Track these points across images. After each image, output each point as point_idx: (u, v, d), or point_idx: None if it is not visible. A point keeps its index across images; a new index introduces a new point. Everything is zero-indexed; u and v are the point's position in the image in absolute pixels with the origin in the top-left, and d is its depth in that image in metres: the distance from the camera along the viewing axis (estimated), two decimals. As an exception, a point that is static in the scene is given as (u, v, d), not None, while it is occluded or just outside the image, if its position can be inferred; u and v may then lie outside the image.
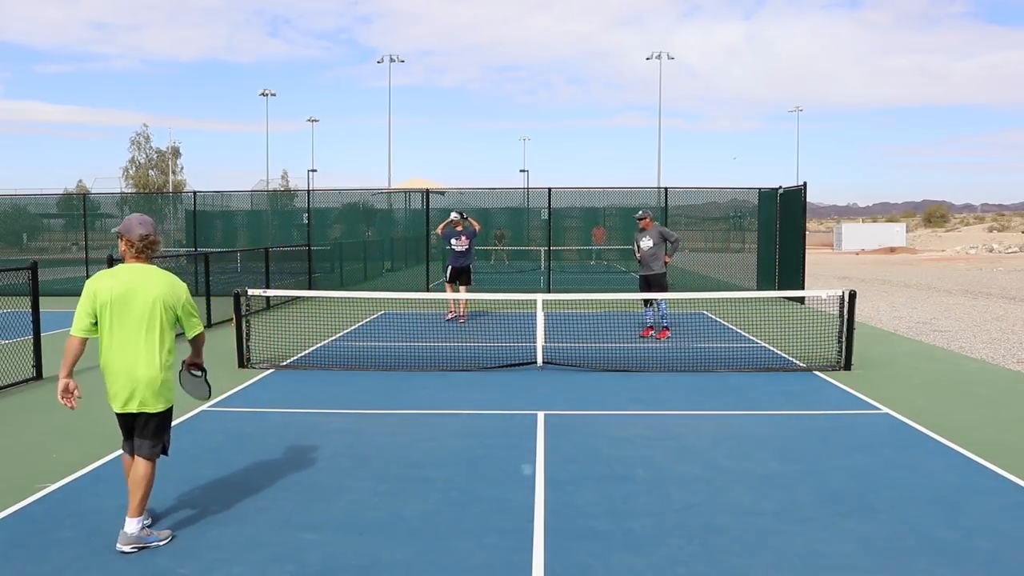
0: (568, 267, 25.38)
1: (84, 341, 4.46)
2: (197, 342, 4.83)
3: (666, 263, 12.26)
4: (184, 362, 4.90)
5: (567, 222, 25.17)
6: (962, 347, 12.17)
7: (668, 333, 12.25)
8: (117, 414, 4.61)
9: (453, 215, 14.62)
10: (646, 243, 12.19)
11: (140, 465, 4.58)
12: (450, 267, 14.48)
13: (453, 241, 14.37)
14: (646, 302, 12.40)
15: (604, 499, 5.34)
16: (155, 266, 4.59)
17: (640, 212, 12.61)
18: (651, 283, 12.18)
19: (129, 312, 4.44)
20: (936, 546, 4.57)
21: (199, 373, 4.97)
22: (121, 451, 4.78)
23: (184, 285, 4.64)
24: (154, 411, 4.57)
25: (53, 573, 4.21)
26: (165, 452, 4.76)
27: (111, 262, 11.62)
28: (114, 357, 4.47)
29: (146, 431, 4.59)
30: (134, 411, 4.53)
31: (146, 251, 4.54)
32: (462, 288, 14.41)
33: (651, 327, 12.44)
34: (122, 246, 4.54)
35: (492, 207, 25.18)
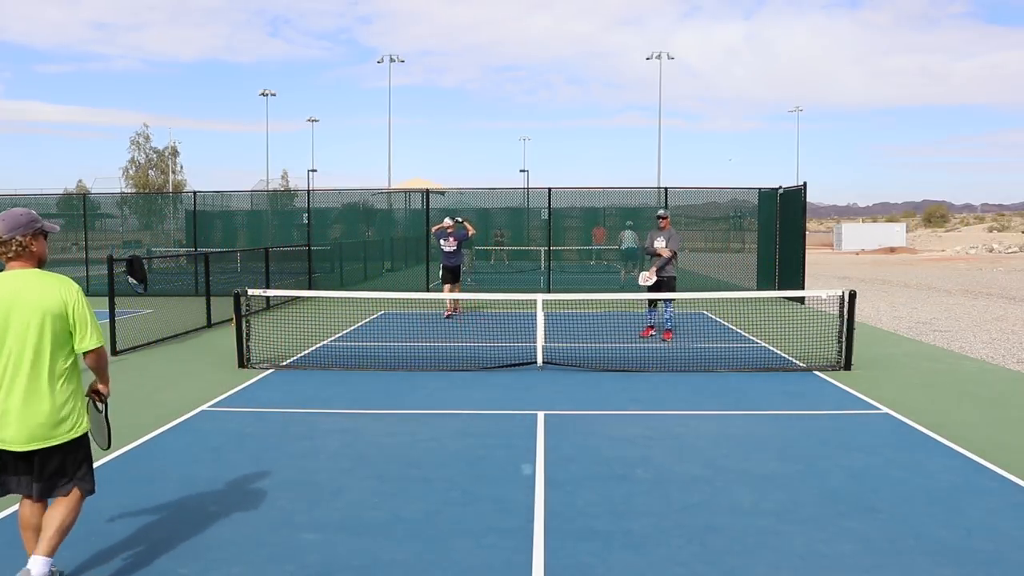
0: (568, 267, 25.37)
1: None
2: (94, 361, 3.92)
3: (663, 255, 11.89)
4: (89, 388, 4.07)
5: (567, 222, 25.15)
6: (962, 347, 12.17)
7: (671, 335, 12.19)
8: (2, 452, 3.76)
9: (447, 220, 15.49)
10: (660, 243, 12.03)
11: (62, 505, 3.87)
12: (442, 265, 15.53)
13: (442, 242, 15.35)
14: (651, 302, 12.33)
15: (604, 499, 5.34)
16: (39, 270, 3.83)
17: (662, 211, 12.46)
18: (660, 284, 11.99)
19: (8, 330, 3.69)
20: (936, 546, 4.57)
21: (101, 407, 4.17)
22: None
23: (75, 287, 3.82)
24: (66, 440, 3.81)
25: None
26: (92, 490, 4.02)
27: (111, 262, 11.62)
28: None
29: (65, 466, 3.86)
30: (38, 447, 3.74)
31: (5, 253, 3.76)
32: (456, 287, 15.29)
33: (651, 327, 12.40)
34: None
35: (492, 207, 25.17)
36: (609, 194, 24.52)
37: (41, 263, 3.86)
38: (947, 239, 70.15)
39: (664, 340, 12.04)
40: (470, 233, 15.60)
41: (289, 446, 6.66)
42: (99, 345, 3.85)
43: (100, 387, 4.09)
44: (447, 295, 14.59)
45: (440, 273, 15.71)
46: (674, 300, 12.30)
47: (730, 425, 7.38)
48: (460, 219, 15.60)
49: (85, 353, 3.84)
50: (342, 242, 23.68)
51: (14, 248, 3.75)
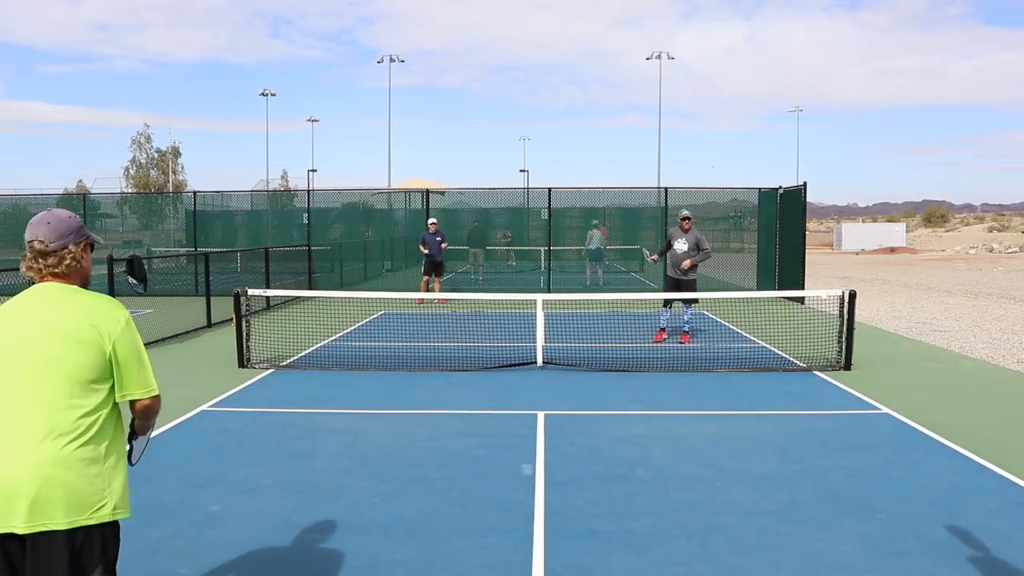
0: (568, 267, 25.36)
1: None
2: (141, 412, 2.81)
3: (687, 267, 11.77)
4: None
5: (567, 222, 25.15)
6: (962, 347, 12.17)
7: (689, 338, 11.92)
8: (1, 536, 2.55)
9: (433, 220, 18.21)
10: (680, 245, 11.84)
11: None
12: (434, 260, 17.84)
13: (437, 239, 17.82)
14: (666, 303, 12.07)
15: (604, 499, 5.34)
16: (75, 286, 2.75)
17: (685, 212, 12.28)
18: (681, 286, 11.78)
19: (20, 363, 2.57)
20: (936, 546, 4.57)
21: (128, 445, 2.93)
22: None
23: (124, 313, 2.73)
24: (58, 527, 2.51)
25: (53, 573, 4.20)
26: None
27: (111, 262, 11.59)
28: None
29: (78, 568, 2.57)
30: (37, 530, 2.50)
31: (41, 265, 2.71)
32: (437, 279, 17.98)
33: (663, 330, 12.09)
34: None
35: (492, 207, 25.19)
36: (609, 194, 24.54)
37: (85, 284, 2.82)
38: (947, 239, 70.15)
39: (681, 343, 11.82)
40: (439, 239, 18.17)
41: (289, 446, 6.66)
42: (152, 395, 2.76)
43: (139, 432, 2.99)
44: (430, 293, 16.43)
45: (424, 267, 18.00)
46: (695, 302, 12.03)
47: (730, 425, 7.38)
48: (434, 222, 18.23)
49: (131, 404, 2.76)
50: (342, 242, 23.68)
51: (66, 262, 2.71)
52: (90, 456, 2.57)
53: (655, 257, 12.47)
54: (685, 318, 12.02)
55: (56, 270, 2.70)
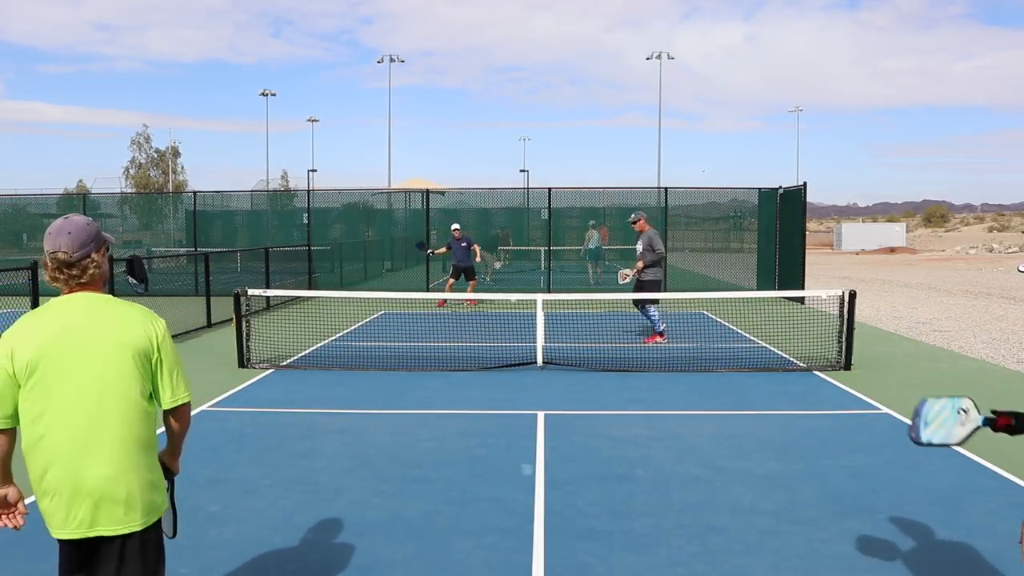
0: (568, 267, 25.36)
1: (10, 435, 2.75)
2: (178, 422, 2.93)
3: (639, 270, 11.60)
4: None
5: (567, 222, 25.14)
6: (962, 347, 12.17)
7: (658, 339, 11.68)
8: (61, 543, 2.81)
9: (457, 225, 18.01)
10: (636, 247, 11.90)
11: None
12: (464, 266, 17.35)
13: (463, 244, 17.58)
14: (635, 304, 11.93)
15: (604, 499, 5.34)
16: (108, 295, 2.84)
17: (632, 215, 12.22)
18: (645, 287, 11.69)
19: (73, 375, 2.68)
20: (936, 546, 4.57)
21: (168, 487, 3.12)
22: None
23: (162, 322, 2.87)
24: (135, 528, 2.77)
25: (53, 573, 4.19)
26: None
27: (111, 262, 11.59)
28: (48, 448, 2.70)
29: (129, 564, 2.78)
30: (99, 534, 2.73)
31: (66, 276, 2.72)
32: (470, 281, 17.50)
33: (660, 334, 12.03)
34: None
35: (492, 207, 25.20)
36: (609, 194, 24.53)
37: (107, 285, 2.91)
38: (947, 239, 70.16)
39: (644, 343, 11.65)
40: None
41: (289, 446, 6.66)
42: (189, 402, 2.91)
43: (168, 461, 3.07)
44: (459, 294, 15.88)
45: (452, 271, 17.56)
46: (656, 302, 11.77)
47: (730, 425, 7.38)
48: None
49: (173, 410, 2.87)
50: (342, 242, 23.69)
51: (90, 271, 2.75)
52: (153, 459, 2.87)
53: (624, 273, 12.17)
54: (650, 320, 11.73)
55: (82, 280, 2.74)
